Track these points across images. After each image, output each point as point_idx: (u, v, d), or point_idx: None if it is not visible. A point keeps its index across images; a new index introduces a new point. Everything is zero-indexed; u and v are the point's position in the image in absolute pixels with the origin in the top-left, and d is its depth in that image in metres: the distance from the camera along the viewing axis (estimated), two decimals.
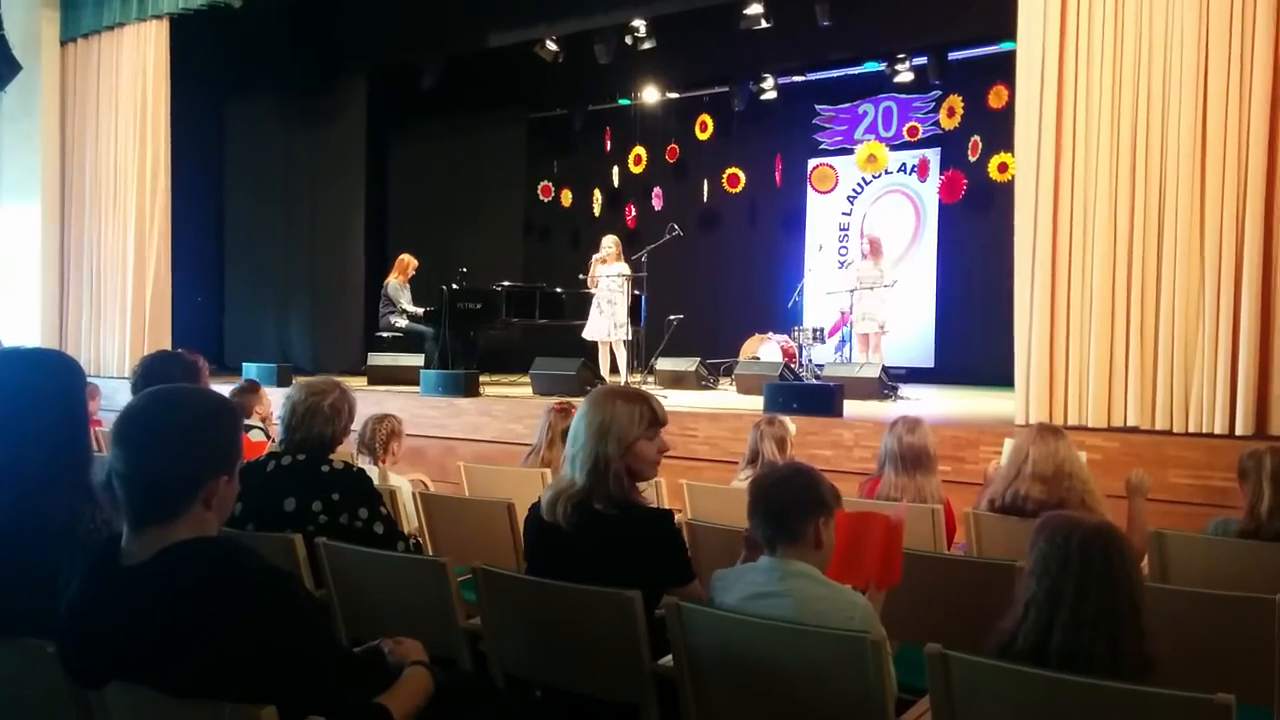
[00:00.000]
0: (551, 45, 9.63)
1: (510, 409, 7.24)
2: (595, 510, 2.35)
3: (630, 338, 8.52)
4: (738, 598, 2.18)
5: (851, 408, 6.59)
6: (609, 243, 8.62)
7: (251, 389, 5.40)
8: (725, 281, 11.64)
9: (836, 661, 2.00)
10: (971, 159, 10.30)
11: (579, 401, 3.12)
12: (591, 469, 2.36)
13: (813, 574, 2.14)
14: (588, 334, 8.61)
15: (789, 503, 2.14)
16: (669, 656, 2.23)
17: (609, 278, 8.42)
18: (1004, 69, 7.68)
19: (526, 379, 8.49)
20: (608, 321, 8.44)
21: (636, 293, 8.68)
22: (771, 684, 2.08)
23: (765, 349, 9.54)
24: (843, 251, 11.30)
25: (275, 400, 3.29)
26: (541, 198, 12.87)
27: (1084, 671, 1.73)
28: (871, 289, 8.91)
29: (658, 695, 2.25)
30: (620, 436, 2.37)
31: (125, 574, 1.58)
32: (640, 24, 9.20)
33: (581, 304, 9.05)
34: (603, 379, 8.39)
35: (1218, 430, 5.17)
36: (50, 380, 2.00)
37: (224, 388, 4.78)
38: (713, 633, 2.14)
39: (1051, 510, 2.97)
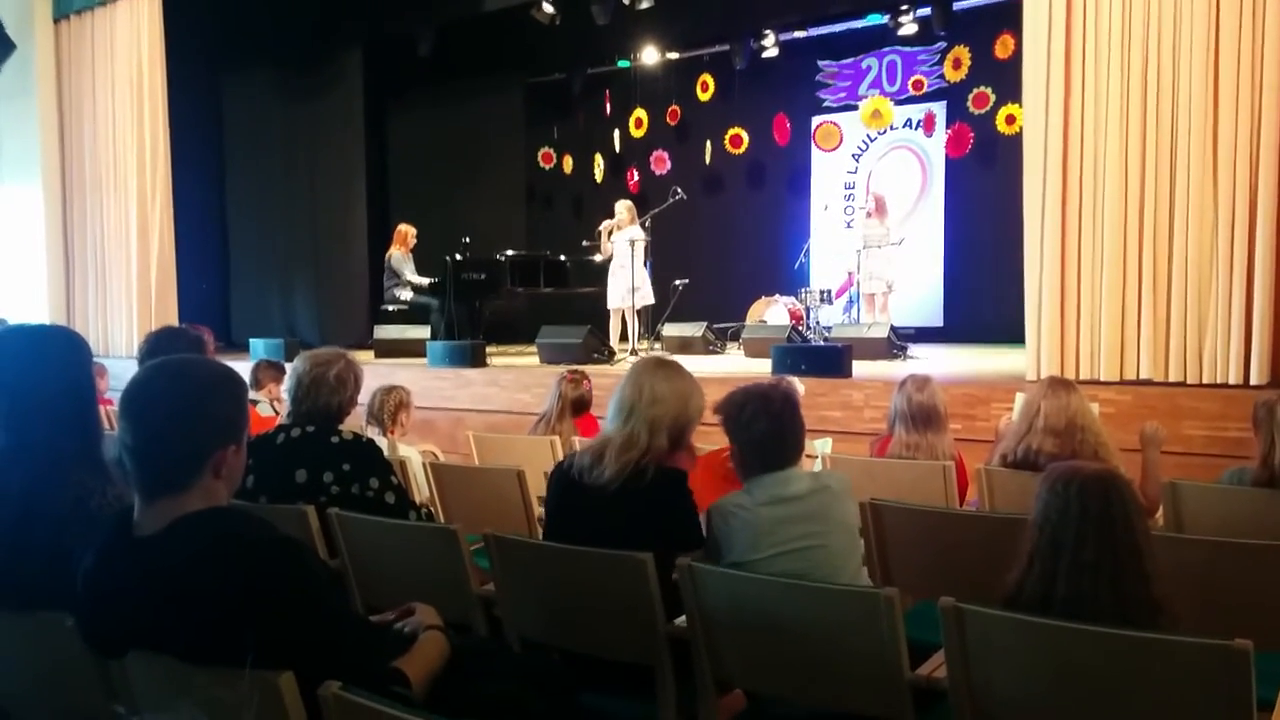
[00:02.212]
0: (548, 8, 9.48)
1: (518, 378, 7.24)
2: (641, 470, 2.39)
3: (652, 301, 8.49)
4: (770, 507, 2.32)
5: (860, 368, 6.58)
6: (621, 208, 8.58)
7: (276, 369, 5.37)
8: (730, 244, 11.56)
9: (850, 617, 2.01)
10: (978, 112, 10.16)
11: (589, 370, 3.13)
12: (669, 431, 2.43)
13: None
14: (614, 303, 8.60)
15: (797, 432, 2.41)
16: (683, 617, 2.23)
17: (623, 243, 8.37)
18: (1010, 17, 7.55)
19: (533, 348, 8.48)
20: (621, 287, 8.42)
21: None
22: (785, 641, 2.08)
23: (772, 311, 9.49)
24: (849, 210, 11.20)
25: None
26: (543, 165, 12.77)
27: (1089, 618, 1.73)
28: (879, 248, 8.84)
29: (672, 656, 2.26)
30: (699, 408, 2.53)
31: (139, 546, 1.58)
32: None
33: (586, 271, 9.01)
34: (610, 346, 8.38)
35: (1232, 381, 5.13)
36: (55, 356, 1.99)
37: (233, 364, 4.76)
38: (725, 592, 2.15)
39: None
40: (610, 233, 8.60)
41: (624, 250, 8.36)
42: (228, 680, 1.49)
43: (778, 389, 2.48)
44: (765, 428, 2.35)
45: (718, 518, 2.38)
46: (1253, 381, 5.08)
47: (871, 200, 9.24)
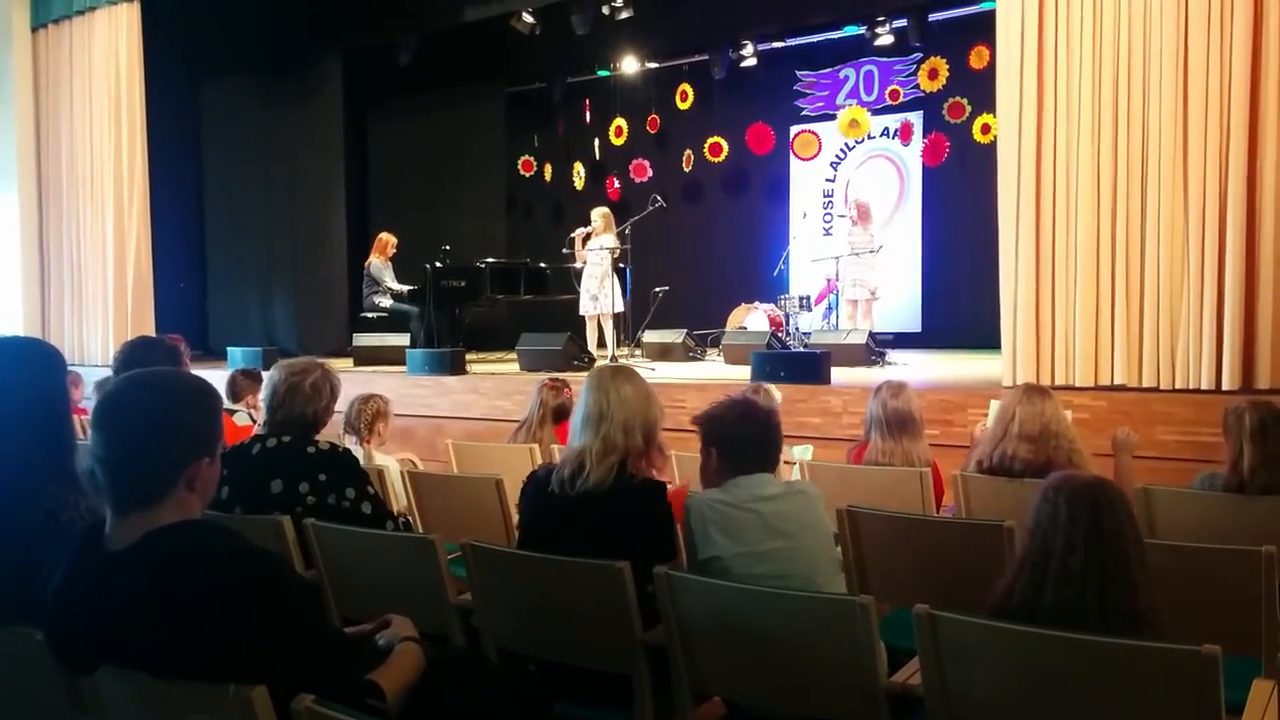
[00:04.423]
0: (528, 17, 9.51)
1: (498, 385, 7.22)
2: (618, 477, 2.42)
3: (622, 309, 8.52)
4: (749, 504, 2.36)
5: (839, 374, 6.60)
6: (597, 215, 8.60)
7: (254, 377, 5.32)
8: (710, 252, 11.61)
9: (826, 624, 2.02)
10: (954, 121, 10.26)
11: (570, 378, 3.13)
12: (642, 429, 2.49)
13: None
14: (583, 310, 8.62)
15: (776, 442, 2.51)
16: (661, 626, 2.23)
17: (595, 250, 8.40)
18: (984, 29, 7.63)
19: (513, 355, 8.47)
20: (589, 294, 8.43)
21: (621, 265, 8.66)
22: (762, 649, 2.09)
23: (752, 318, 9.52)
24: (827, 219, 11.27)
25: None
26: (523, 172, 12.77)
27: (1074, 627, 1.74)
28: (860, 255, 8.89)
29: (650, 664, 2.26)
30: (660, 407, 2.59)
31: (110, 559, 1.57)
32: None
33: (566, 279, 9.02)
34: (590, 353, 8.39)
35: (1204, 386, 5.20)
36: (26, 368, 1.97)
37: (211, 373, 4.72)
38: (702, 600, 2.15)
39: (1038, 469, 3.00)
40: (585, 240, 8.62)
41: (596, 257, 8.38)
42: (200, 695, 1.48)
43: (760, 399, 2.60)
44: (750, 430, 2.44)
45: (695, 513, 2.39)
46: (1224, 386, 5.15)
47: (855, 208, 9.29)
